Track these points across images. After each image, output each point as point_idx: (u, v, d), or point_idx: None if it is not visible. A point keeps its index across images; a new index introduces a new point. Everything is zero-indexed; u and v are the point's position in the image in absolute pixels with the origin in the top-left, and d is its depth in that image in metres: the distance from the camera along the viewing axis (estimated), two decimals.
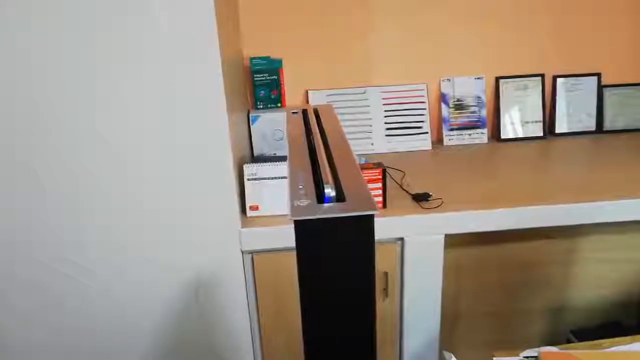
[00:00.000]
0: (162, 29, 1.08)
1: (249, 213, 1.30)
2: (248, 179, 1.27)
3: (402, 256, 1.31)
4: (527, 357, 0.93)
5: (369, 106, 1.77)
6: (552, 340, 1.51)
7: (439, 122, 1.84)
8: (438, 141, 1.85)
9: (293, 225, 0.42)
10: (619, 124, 1.84)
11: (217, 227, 1.23)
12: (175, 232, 1.23)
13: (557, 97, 1.83)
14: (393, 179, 1.49)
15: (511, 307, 1.47)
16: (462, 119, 1.81)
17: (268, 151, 1.60)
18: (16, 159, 1.15)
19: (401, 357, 1.43)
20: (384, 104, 1.77)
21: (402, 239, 1.30)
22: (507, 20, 1.77)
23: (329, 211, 0.41)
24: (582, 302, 1.48)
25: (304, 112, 0.77)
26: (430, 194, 1.35)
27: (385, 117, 1.77)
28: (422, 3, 1.74)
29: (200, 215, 1.22)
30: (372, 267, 0.43)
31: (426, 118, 1.78)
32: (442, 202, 1.33)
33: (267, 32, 1.72)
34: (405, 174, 1.54)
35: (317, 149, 0.59)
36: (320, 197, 0.45)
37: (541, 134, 1.82)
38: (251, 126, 1.58)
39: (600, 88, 1.83)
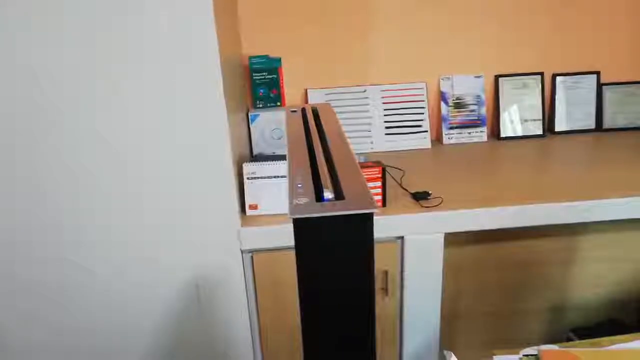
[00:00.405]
0: (162, 29, 1.08)
1: (248, 212, 1.30)
2: (247, 178, 1.27)
3: (402, 255, 1.31)
4: (527, 355, 0.93)
5: (368, 105, 1.77)
6: (552, 338, 1.52)
7: (439, 121, 1.84)
8: (437, 140, 1.85)
9: (292, 224, 0.42)
10: (619, 122, 1.84)
11: (217, 226, 1.23)
12: (175, 231, 1.23)
13: (557, 96, 1.84)
14: (392, 178, 1.49)
15: (511, 306, 1.47)
16: (462, 117, 1.81)
17: (267, 150, 1.60)
18: (16, 159, 1.15)
19: (401, 356, 1.43)
20: (383, 103, 1.77)
21: (401, 238, 1.30)
22: (506, 18, 1.77)
23: (328, 209, 0.41)
24: (582, 301, 1.48)
25: (303, 111, 0.77)
26: (430, 192, 1.35)
27: (385, 115, 1.77)
28: (422, 1, 1.74)
29: (200, 214, 1.22)
30: (372, 266, 0.43)
31: (425, 117, 1.78)
32: (442, 200, 1.33)
33: (266, 31, 1.72)
34: (404, 172, 1.54)
35: (317, 148, 0.59)
36: (320, 196, 0.45)
37: (540, 133, 1.83)
38: (250, 125, 1.58)
39: (600, 86, 1.83)
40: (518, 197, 1.33)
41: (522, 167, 1.56)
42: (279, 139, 1.59)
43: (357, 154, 1.70)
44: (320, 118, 0.72)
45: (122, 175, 1.18)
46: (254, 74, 1.63)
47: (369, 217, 0.42)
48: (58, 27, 1.07)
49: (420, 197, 1.34)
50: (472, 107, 1.81)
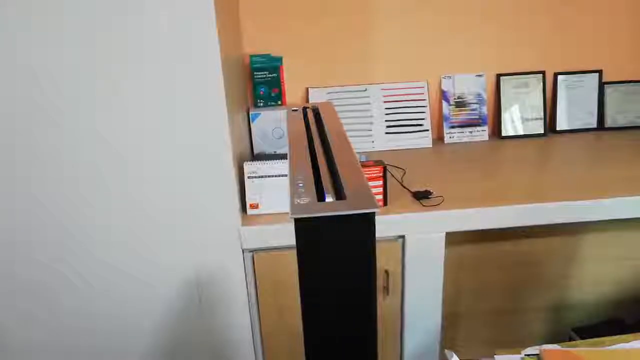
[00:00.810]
0: (162, 28, 1.08)
1: (249, 211, 1.30)
2: (248, 177, 1.27)
3: (403, 254, 1.31)
4: (528, 355, 0.92)
5: (369, 104, 1.76)
6: (554, 338, 1.51)
7: (440, 120, 1.84)
8: (439, 139, 1.85)
9: (293, 223, 0.41)
10: (620, 121, 1.84)
11: (217, 225, 1.23)
12: (176, 230, 1.23)
13: (558, 95, 1.83)
14: (394, 177, 1.49)
15: (513, 305, 1.46)
16: (463, 116, 1.81)
17: (268, 149, 1.60)
18: (16, 159, 1.15)
19: (402, 355, 1.43)
20: (384, 102, 1.77)
21: (403, 237, 1.30)
22: (507, 17, 1.77)
23: (330, 209, 0.41)
24: (583, 300, 1.47)
25: (304, 110, 0.77)
26: (431, 191, 1.35)
27: (386, 114, 1.77)
28: (423, 0, 1.73)
29: (200, 213, 1.22)
30: (373, 265, 0.43)
31: (427, 115, 1.78)
32: (443, 199, 1.32)
33: (267, 30, 1.72)
34: (406, 171, 1.54)
35: (318, 147, 0.59)
36: (321, 195, 0.45)
37: (542, 132, 1.82)
38: (251, 124, 1.58)
39: (601, 85, 1.83)
40: (519, 196, 1.32)
41: (523, 166, 1.55)
42: (280, 138, 1.59)
43: (358, 153, 1.70)
44: (322, 117, 0.72)
45: (122, 175, 1.18)
46: (255, 73, 1.63)
47: (370, 217, 0.41)
48: (58, 27, 1.06)
49: (421, 196, 1.34)
50: (473, 106, 1.81)
